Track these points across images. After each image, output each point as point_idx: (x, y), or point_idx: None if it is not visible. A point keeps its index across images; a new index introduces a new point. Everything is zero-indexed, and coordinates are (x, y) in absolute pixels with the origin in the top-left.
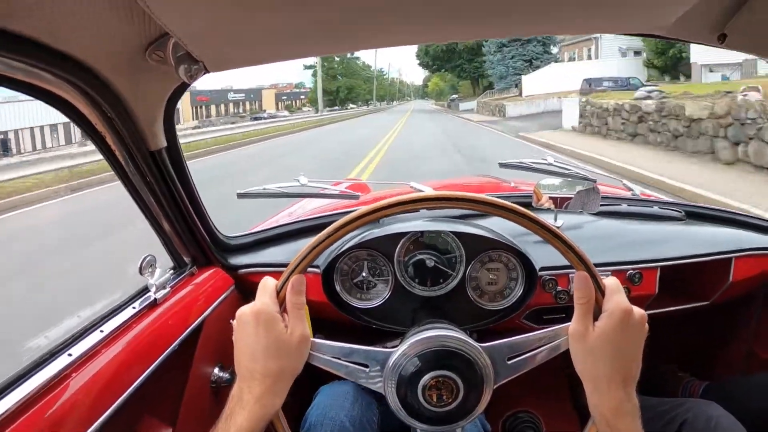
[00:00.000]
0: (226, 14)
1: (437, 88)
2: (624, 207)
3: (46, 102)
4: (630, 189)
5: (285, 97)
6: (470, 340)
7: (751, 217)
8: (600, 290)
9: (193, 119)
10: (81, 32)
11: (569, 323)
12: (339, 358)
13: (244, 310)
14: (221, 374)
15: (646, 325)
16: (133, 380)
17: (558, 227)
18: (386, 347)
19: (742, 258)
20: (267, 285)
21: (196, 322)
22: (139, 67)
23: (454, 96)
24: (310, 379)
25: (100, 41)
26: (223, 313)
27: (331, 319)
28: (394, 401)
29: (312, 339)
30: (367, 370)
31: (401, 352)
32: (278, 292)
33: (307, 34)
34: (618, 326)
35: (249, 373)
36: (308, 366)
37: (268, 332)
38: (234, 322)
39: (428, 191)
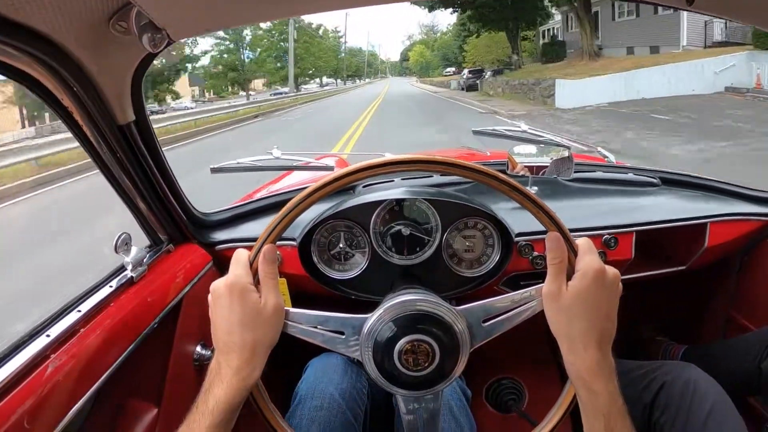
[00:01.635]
0: None
1: (422, 61)
2: (599, 173)
3: (10, 77)
4: (605, 156)
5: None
6: (444, 303)
7: (725, 183)
8: (572, 250)
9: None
10: (42, 4)
11: (543, 284)
12: (315, 327)
13: (218, 284)
14: (204, 352)
15: (620, 283)
16: (114, 359)
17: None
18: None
19: (716, 223)
20: (240, 257)
21: (174, 300)
22: (104, 38)
23: (479, 67)
24: (300, 353)
25: (62, 13)
26: (202, 290)
27: (310, 291)
28: (371, 367)
29: (287, 308)
30: (344, 337)
31: (376, 317)
32: (251, 264)
33: None
34: (591, 285)
35: (226, 346)
36: (297, 339)
37: (242, 304)
38: (209, 297)
39: (398, 156)
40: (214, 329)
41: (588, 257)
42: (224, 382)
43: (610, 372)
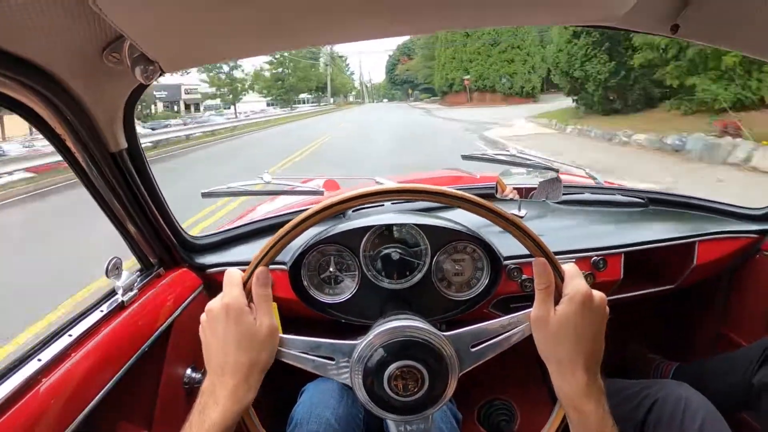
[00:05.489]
0: (177, 13)
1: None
2: (587, 195)
3: (4, 105)
4: (593, 178)
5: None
6: (433, 329)
7: (712, 202)
8: (559, 275)
9: None
10: (36, 35)
11: (531, 309)
12: (306, 353)
13: (214, 305)
14: (194, 375)
15: (607, 308)
16: (104, 383)
17: (521, 217)
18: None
19: (704, 242)
20: (234, 277)
21: (165, 324)
22: (97, 69)
23: None
24: (296, 377)
25: (56, 44)
26: (193, 313)
27: (300, 315)
28: (361, 392)
29: (280, 335)
30: (334, 362)
31: (366, 343)
32: (244, 285)
33: (264, 30)
34: (579, 309)
35: (220, 368)
36: (289, 364)
37: (238, 325)
38: (203, 317)
39: (390, 185)
40: (207, 350)
41: (575, 282)
42: (219, 404)
43: (599, 394)
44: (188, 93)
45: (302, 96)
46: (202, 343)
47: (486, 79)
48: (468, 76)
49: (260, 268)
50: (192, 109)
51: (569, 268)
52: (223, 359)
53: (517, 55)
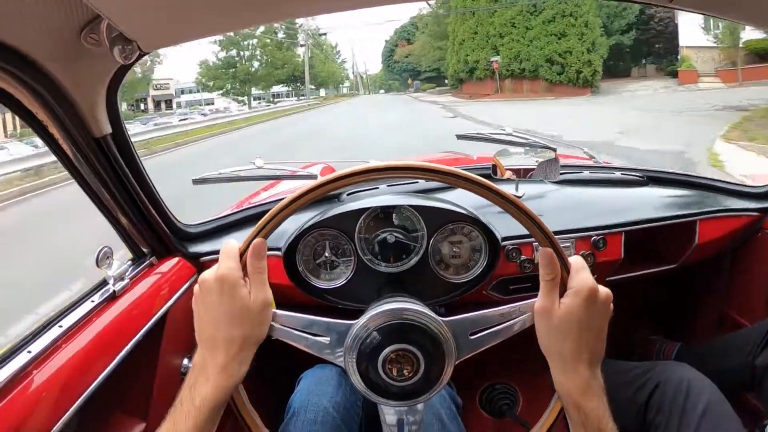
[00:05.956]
0: None
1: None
2: (586, 174)
3: None
4: (591, 156)
5: None
6: (431, 314)
7: (713, 179)
8: (565, 268)
9: None
10: (11, 18)
11: (534, 300)
12: (300, 330)
13: (208, 276)
14: (190, 365)
15: (611, 304)
16: (97, 375)
17: (519, 197)
18: None
19: (706, 220)
20: (230, 249)
21: (159, 313)
22: (75, 51)
23: None
24: (293, 364)
25: (33, 26)
26: (188, 303)
27: (296, 302)
28: (355, 375)
29: (274, 310)
30: (328, 342)
31: (361, 324)
32: (240, 256)
33: (243, 2)
34: (584, 304)
35: (212, 342)
36: (290, 350)
37: (232, 298)
38: (196, 288)
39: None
40: (199, 323)
41: (581, 275)
42: (210, 380)
43: (600, 391)
44: (157, 89)
45: (277, 89)
46: (194, 315)
47: (525, 61)
48: (497, 58)
49: (257, 240)
50: (163, 106)
51: (575, 260)
52: (215, 333)
53: (570, 25)
